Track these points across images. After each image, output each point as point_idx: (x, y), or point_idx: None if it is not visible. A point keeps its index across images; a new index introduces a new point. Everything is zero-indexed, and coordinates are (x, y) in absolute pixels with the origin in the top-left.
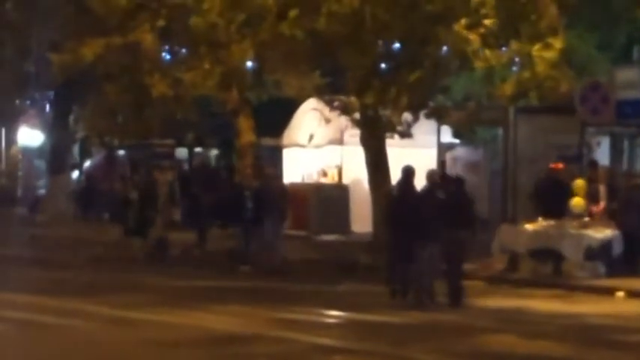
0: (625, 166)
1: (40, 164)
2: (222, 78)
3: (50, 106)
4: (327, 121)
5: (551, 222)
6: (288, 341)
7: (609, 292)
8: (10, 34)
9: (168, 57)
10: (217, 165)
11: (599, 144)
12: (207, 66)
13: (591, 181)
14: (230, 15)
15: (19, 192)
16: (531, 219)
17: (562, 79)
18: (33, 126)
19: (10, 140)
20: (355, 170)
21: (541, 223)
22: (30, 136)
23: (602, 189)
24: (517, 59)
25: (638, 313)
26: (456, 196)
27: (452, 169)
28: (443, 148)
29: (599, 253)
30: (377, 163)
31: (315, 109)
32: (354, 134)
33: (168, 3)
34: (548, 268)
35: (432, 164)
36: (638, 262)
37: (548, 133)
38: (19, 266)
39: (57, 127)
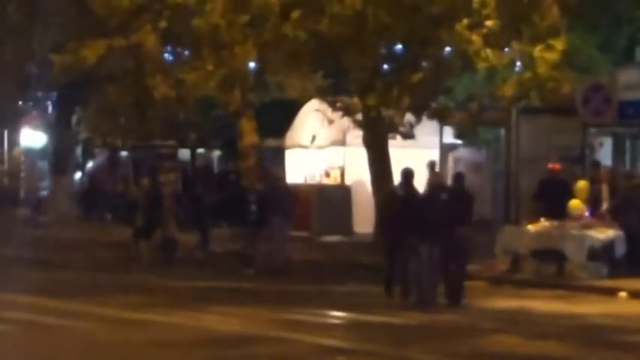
0: (627, 166)
1: (43, 165)
2: (224, 79)
3: (53, 108)
4: (330, 122)
5: (554, 223)
6: (290, 342)
7: (612, 292)
8: (13, 35)
9: (170, 58)
10: (225, 167)
11: (601, 145)
12: (209, 67)
13: (594, 182)
14: (232, 16)
15: (22, 193)
16: (534, 220)
17: (563, 80)
18: (35, 127)
19: (13, 141)
20: (358, 171)
21: (543, 224)
22: (32, 138)
23: (604, 189)
24: (519, 60)
25: None
26: (457, 193)
27: (454, 170)
28: (445, 149)
29: (601, 253)
30: (379, 164)
31: (317, 110)
32: (356, 135)
33: (170, 4)
34: (550, 268)
35: (435, 165)
36: None
37: (551, 134)
38: (21, 267)
39: (59, 129)
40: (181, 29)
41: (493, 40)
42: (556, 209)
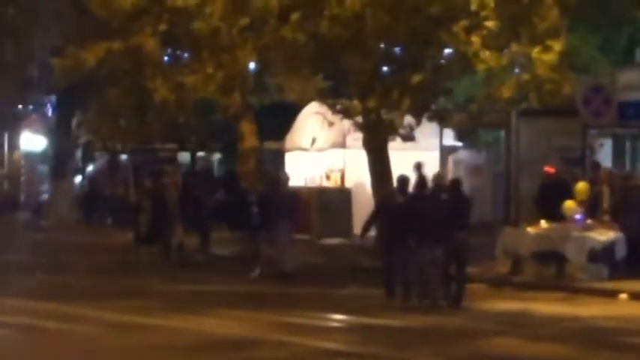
0: (628, 167)
1: (43, 169)
2: (224, 82)
3: (53, 111)
4: (330, 124)
5: (554, 224)
6: (291, 345)
7: (612, 294)
8: (13, 39)
9: (170, 61)
10: (230, 169)
11: (601, 146)
12: (209, 70)
13: (594, 183)
14: (232, 19)
15: (22, 197)
16: (534, 222)
17: (562, 81)
18: (35, 131)
19: (13, 145)
20: (358, 174)
21: (544, 226)
22: (32, 141)
23: (605, 191)
24: (518, 62)
25: None
26: (454, 198)
27: (454, 172)
28: (445, 151)
29: (602, 255)
30: (380, 166)
31: (317, 112)
32: (356, 138)
33: (169, 7)
34: (551, 270)
35: (435, 167)
36: None
37: (551, 136)
38: (21, 271)
39: (59, 132)
40: (181, 32)
41: (492, 42)
42: (557, 212)
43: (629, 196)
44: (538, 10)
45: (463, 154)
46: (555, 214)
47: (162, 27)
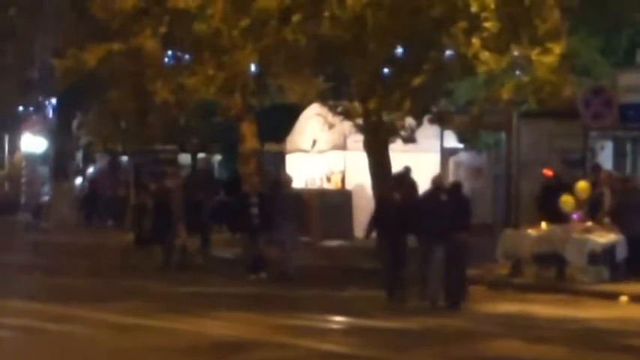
0: (628, 169)
1: (44, 171)
2: (225, 83)
3: (53, 113)
4: (331, 126)
5: (555, 226)
6: (291, 347)
7: (612, 296)
8: (13, 40)
9: (171, 62)
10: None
11: (602, 148)
12: (210, 71)
13: (595, 186)
14: (233, 20)
15: (23, 199)
16: (535, 224)
17: (562, 83)
18: (36, 132)
19: (14, 147)
20: (358, 176)
21: (544, 228)
22: (33, 143)
23: (606, 192)
24: (518, 64)
25: None
26: (455, 200)
27: (455, 174)
28: (446, 153)
29: (602, 257)
30: (380, 168)
31: (318, 114)
32: (357, 140)
33: (170, 9)
34: (551, 272)
35: (435, 169)
36: None
37: (552, 138)
38: (21, 273)
39: (60, 134)
40: (182, 33)
41: (492, 44)
42: (558, 214)
43: (630, 199)
44: (539, 11)
45: (464, 156)
46: (556, 217)
47: (163, 29)
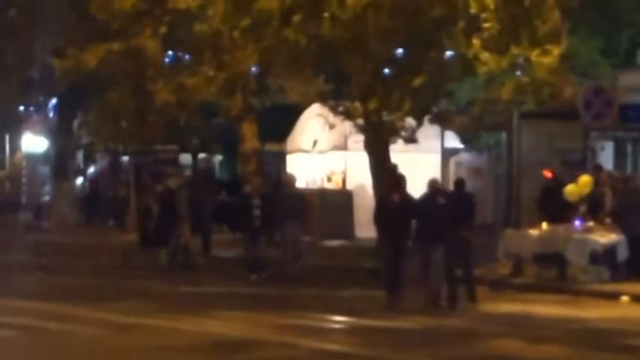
0: (629, 170)
1: (44, 170)
2: (225, 84)
3: (54, 113)
4: (331, 126)
5: (556, 226)
6: (292, 347)
7: (614, 296)
8: (14, 40)
9: (171, 62)
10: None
11: (602, 148)
12: (210, 72)
13: (596, 186)
14: (234, 21)
15: (24, 198)
16: (536, 224)
17: (561, 84)
18: (37, 132)
19: (15, 147)
20: (359, 176)
21: (545, 228)
22: (34, 143)
23: (607, 193)
24: (518, 64)
25: None
26: (458, 197)
27: (456, 175)
28: (447, 153)
29: (603, 257)
30: (381, 168)
31: (319, 114)
32: (358, 140)
33: (171, 9)
34: (552, 272)
35: (436, 169)
36: None
37: (552, 138)
38: (22, 272)
39: (61, 134)
40: (182, 34)
41: (492, 44)
42: (560, 214)
43: (631, 199)
44: (539, 12)
45: (464, 157)
46: (557, 217)
47: (163, 29)
